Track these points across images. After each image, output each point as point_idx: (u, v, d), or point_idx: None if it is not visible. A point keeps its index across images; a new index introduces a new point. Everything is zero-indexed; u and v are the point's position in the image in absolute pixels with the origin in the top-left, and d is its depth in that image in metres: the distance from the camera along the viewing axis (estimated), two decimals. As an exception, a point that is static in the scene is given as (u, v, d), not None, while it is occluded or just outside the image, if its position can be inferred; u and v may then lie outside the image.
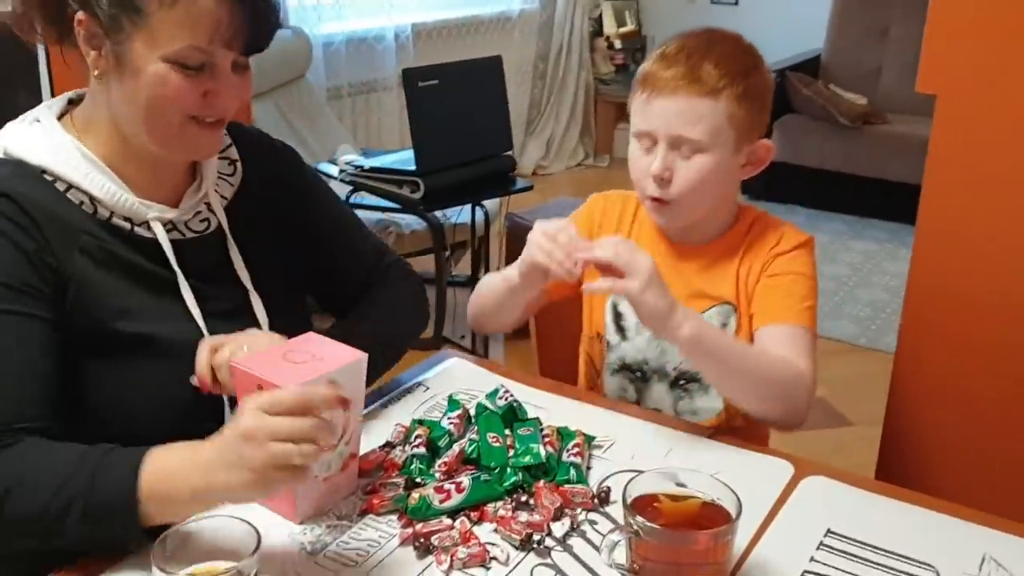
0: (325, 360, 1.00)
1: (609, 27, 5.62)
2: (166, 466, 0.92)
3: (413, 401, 1.29)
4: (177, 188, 1.16)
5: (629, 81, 5.44)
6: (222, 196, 1.20)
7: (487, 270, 3.19)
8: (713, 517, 0.94)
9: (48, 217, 1.04)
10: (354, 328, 1.22)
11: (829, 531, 1.04)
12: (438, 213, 2.94)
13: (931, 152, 1.50)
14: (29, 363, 1.00)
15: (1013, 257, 1.47)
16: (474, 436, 1.17)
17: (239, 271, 1.18)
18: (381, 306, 1.32)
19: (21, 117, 1.12)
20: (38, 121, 1.10)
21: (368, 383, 1.08)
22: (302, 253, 1.29)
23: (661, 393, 1.36)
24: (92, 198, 1.07)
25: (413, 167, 2.71)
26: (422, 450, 1.13)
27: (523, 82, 5.27)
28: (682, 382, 1.35)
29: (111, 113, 1.08)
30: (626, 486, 0.95)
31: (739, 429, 1.32)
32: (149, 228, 1.11)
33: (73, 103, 1.14)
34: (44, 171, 1.06)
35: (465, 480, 1.05)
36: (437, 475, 1.09)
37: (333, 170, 2.91)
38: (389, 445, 1.16)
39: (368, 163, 2.85)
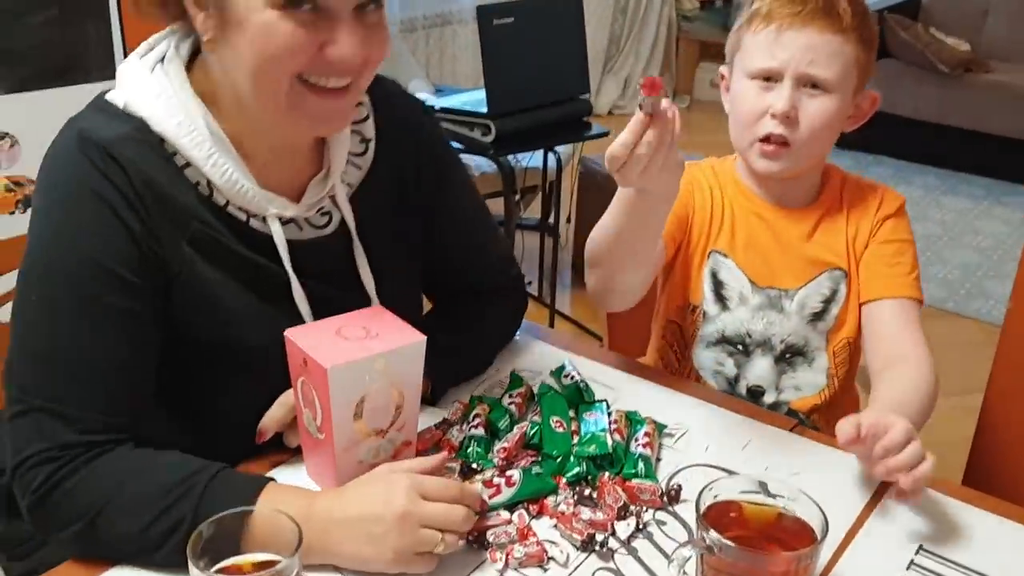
0: (380, 338, 0.93)
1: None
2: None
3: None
4: (301, 174, 1.03)
5: (714, 19, 5.27)
6: (348, 184, 1.07)
7: (558, 215, 3.09)
8: (793, 531, 0.86)
9: (159, 197, 0.93)
10: (445, 336, 1.06)
11: (921, 548, 0.95)
12: (509, 156, 2.84)
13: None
14: (125, 361, 0.93)
15: None
16: (536, 418, 1.10)
17: (363, 275, 1.07)
18: (483, 325, 1.22)
19: (143, 49, 0.98)
20: (166, 74, 0.96)
21: (439, 394, 1.07)
22: (426, 247, 1.17)
23: (764, 367, 1.28)
24: (210, 182, 0.96)
25: (485, 109, 2.60)
26: (481, 431, 1.06)
27: (603, 16, 5.07)
28: (788, 356, 1.28)
29: (228, 81, 0.94)
30: (700, 493, 0.86)
31: (836, 407, 1.29)
32: (264, 221, 0.99)
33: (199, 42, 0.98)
34: (164, 140, 0.94)
35: (516, 473, 0.98)
36: (495, 460, 1.02)
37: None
38: (446, 423, 1.10)
39: (439, 103, 2.75)
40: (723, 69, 1.28)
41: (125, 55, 2.21)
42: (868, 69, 1.21)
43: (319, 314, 1.01)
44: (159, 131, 0.94)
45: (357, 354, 0.90)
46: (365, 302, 1.06)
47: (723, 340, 1.30)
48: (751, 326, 1.28)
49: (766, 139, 1.20)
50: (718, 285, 1.29)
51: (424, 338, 0.94)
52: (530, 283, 3.33)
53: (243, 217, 0.99)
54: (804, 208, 1.29)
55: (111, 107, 0.95)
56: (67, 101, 2.05)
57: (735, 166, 1.33)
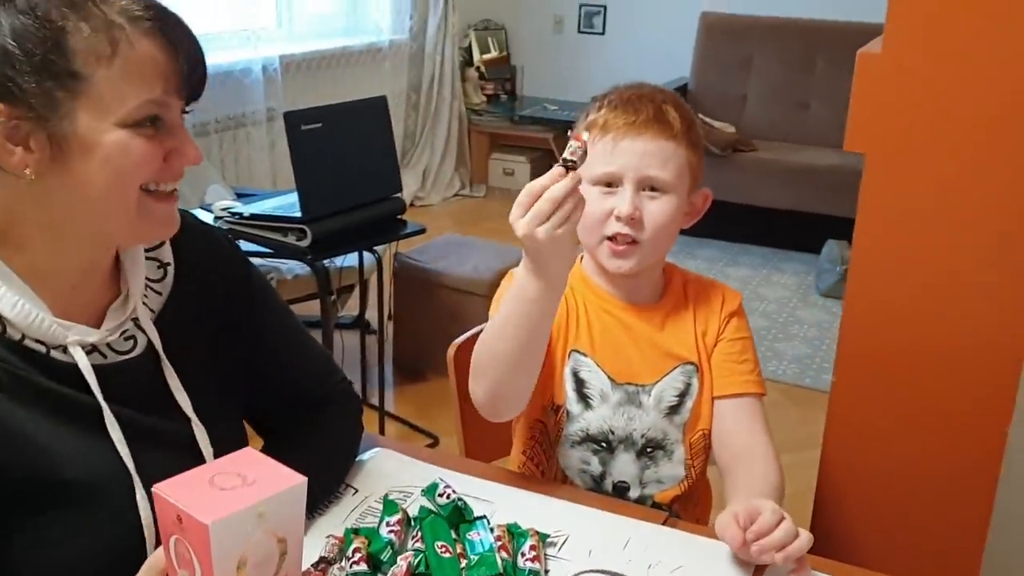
0: (257, 485, 0.87)
1: (478, 56, 5.59)
2: None
3: (343, 506, 1.16)
4: (98, 301, 1.00)
5: (501, 111, 5.49)
6: (150, 309, 1.04)
7: (381, 313, 3.06)
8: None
9: None
10: (291, 458, 1.00)
11: (806, 628, 0.99)
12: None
13: (861, 204, 1.51)
14: None
15: (942, 313, 1.49)
16: (419, 545, 1.06)
17: (178, 397, 1.03)
18: (323, 437, 1.18)
19: None
20: None
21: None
22: (242, 370, 1.13)
23: (627, 463, 1.31)
24: (1, 317, 0.91)
25: (298, 213, 2.55)
26: (363, 567, 1.01)
27: (396, 114, 5.15)
28: (648, 450, 1.31)
29: (46, 213, 0.92)
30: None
31: (694, 496, 1.35)
32: (66, 351, 0.95)
33: None
34: None
35: None
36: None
37: (208, 217, 2.73)
38: (325, 562, 1.04)
39: (248, 210, 2.67)
40: None
41: None
42: (699, 170, 1.29)
43: (135, 440, 0.97)
44: None
45: (237, 504, 0.84)
46: (184, 426, 1.03)
47: (588, 439, 1.31)
48: (613, 423, 1.30)
49: (613, 238, 1.25)
50: (580, 384, 1.31)
51: (305, 479, 0.90)
52: (350, 384, 3.26)
53: (43, 350, 0.94)
54: (651, 305, 1.34)
55: None
56: None
57: (582, 266, 1.37)
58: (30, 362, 0.92)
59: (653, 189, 1.25)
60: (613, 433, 1.30)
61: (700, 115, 4.94)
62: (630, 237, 1.25)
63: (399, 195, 2.84)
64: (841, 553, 1.16)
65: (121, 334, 1.00)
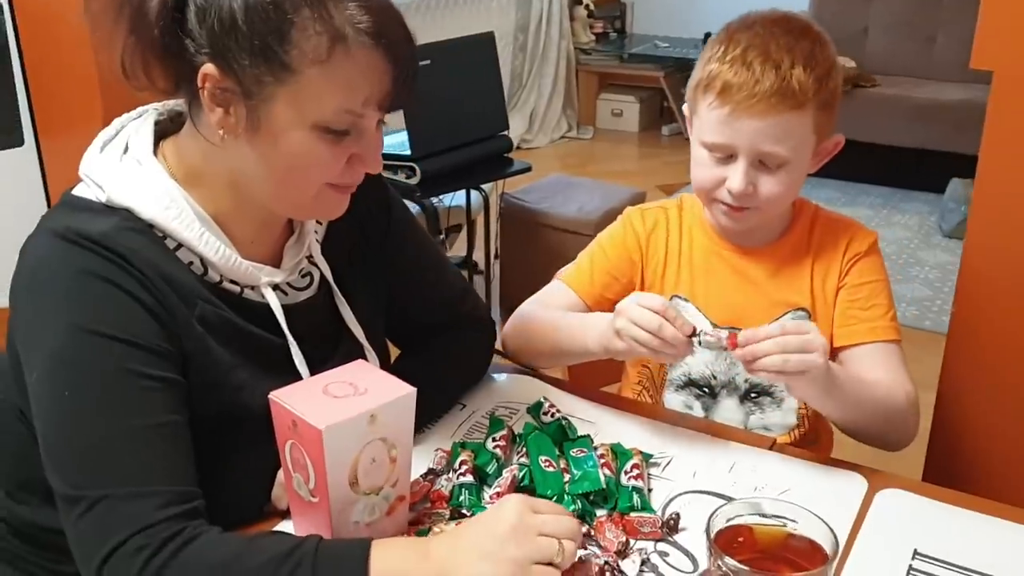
0: (369, 394, 0.91)
1: (587, -7, 5.50)
2: (397, 570, 0.84)
3: (451, 421, 1.19)
4: (278, 242, 1.05)
5: (610, 50, 5.40)
6: (317, 242, 1.08)
7: (488, 252, 3.09)
8: (804, 551, 0.87)
9: (165, 278, 0.92)
10: (411, 375, 1.00)
11: (916, 553, 0.97)
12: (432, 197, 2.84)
13: (987, 130, 1.43)
14: (176, 429, 0.90)
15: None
16: (524, 460, 1.08)
17: (351, 326, 1.08)
18: (445, 358, 1.21)
19: (98, 144, 0.97)
20: (137, 162, 0.96)
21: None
22: (391, 291, 1.17)
23: (731, 408, 1.28)
24: (203, 259, 0.95)
25: (408, 151, 2.60)
26: (469, 478, 1.04)
27: (503, 55, 5.12)
28: (753, 395, 1.27)
29: (231, 171, 0.96)
30: (709, 521, 0.86)
31: (810, 446, 1.28)
32: (256, 290, 1.00)
33: (159, 125, 1.00)
34: (152, 225, 0.93)
35: None
36: (488, 506, 1.00)
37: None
38: (432, 473, 1.07)
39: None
40: (685, 109, 1.25)
41: (32, 120, 2.13)
42: (831, 123, 1.19)
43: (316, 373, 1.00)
44: (147, 218, 0.93)
45: (349, 412, 0.88)
46: (357, 354, 1.06)
47: (690, 383, 1.30)
48: (715, 367, 1.28)
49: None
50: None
51: (413, 389, 0.92)
52: (487, 310, 3.31)
53: (237, 289, 0.99)
54: (766, 246, 1.27)
55: (88, 203, 0.94)
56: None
57: (694, 201, 1.32)
58: (228, 303, 0.97)
59: (773, 162, 1.16)
60: (715, 378, 1.28)
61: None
62: (743, 206, 1.19)
63: (506, 133, 2.85)
64: (956, 481, 1.12)
65: (299, 271, 1.05)
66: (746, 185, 1.16)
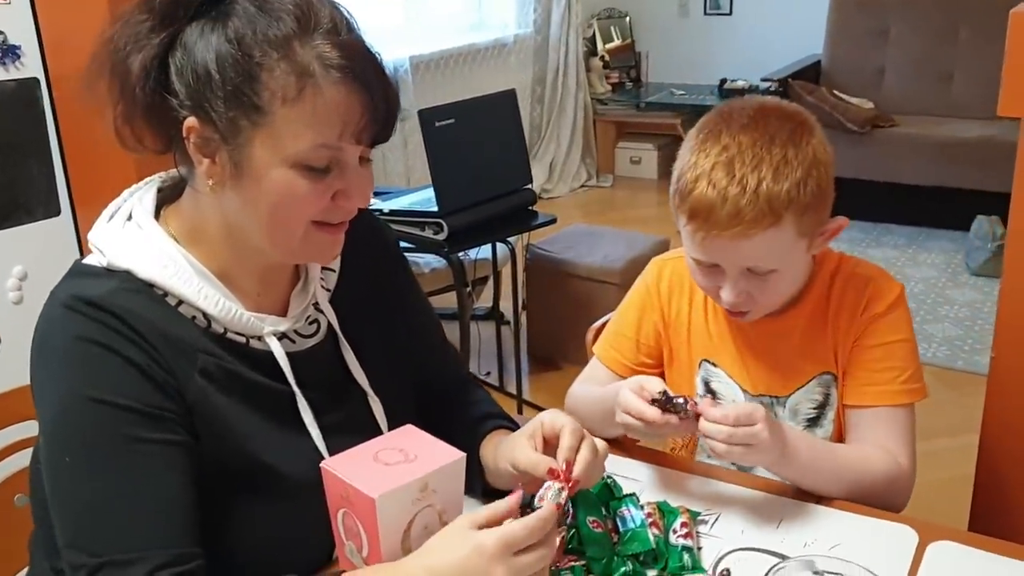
0: (420, 460, 0.92)
1: (601, 45, 5.57)
2: None
3: (496, 483, 1.19)
4: (283, 291, 1.06)
5: (626, 99, 5.46)
6: (326, 288, 1.09)
7: (516, 304, 3.11)
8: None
9: (161, 335, 0.93)
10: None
11: (974, 607, 0.96)
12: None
13: (1019, 172, 1.43)
14: (176, 490, 0.91)
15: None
16: (570, 521, 1.08)
17: (356, 374, 1.08)
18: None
19: (107, 215, 1.00)
20: (138, 226, 0.98)
21: None
22: (408, 348, 1.17)
23: (767, 474, 1.26)
24: (205, 314, 0.97)
25: (434, 208, 2.62)
26: (518, 541, 1.04)
27: (522, 107, 5.15)
28: None
29: (226, 222, 0.98)
30: (764, 580, 0.86)
31: None
32: (260, 340, 1.01)
33: (161, 192, 1.03)
34: (153, 285, 0.95)
35: None
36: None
37: (349, 215, 2.83)
38: (480, 537, 1.07)
39: (387, 206, 2.77)
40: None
41: (69, 191, 2.18)
42: (820, 217, 1.14)
43: (322, 424, 1.02)
44: (146, 277, 0.95)
45: (401, 479, 0.88)
46: (362, 403, 1.07)
47: None
48: None
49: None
50: (712, 394, 1.28)
51: (463, 455, 0.93)
52: (487, 374, 3.33)
53: (243, 340, 1.00)
54: (787, 310, 1.24)
55: (91, 269, 0.97)
56: (14, 240, 2.01)
57: None
58: (233, 353, 0.98)
59: (759, 271, 1.14)
60: None
61: (834, 91, 4.77)
62: (742, 311, 1.19)
63: (530, 187, 2.88)
64: (1004, 528, 1.11)
65: (306, 319, 1.06)
66: (738, 296, 1.15)
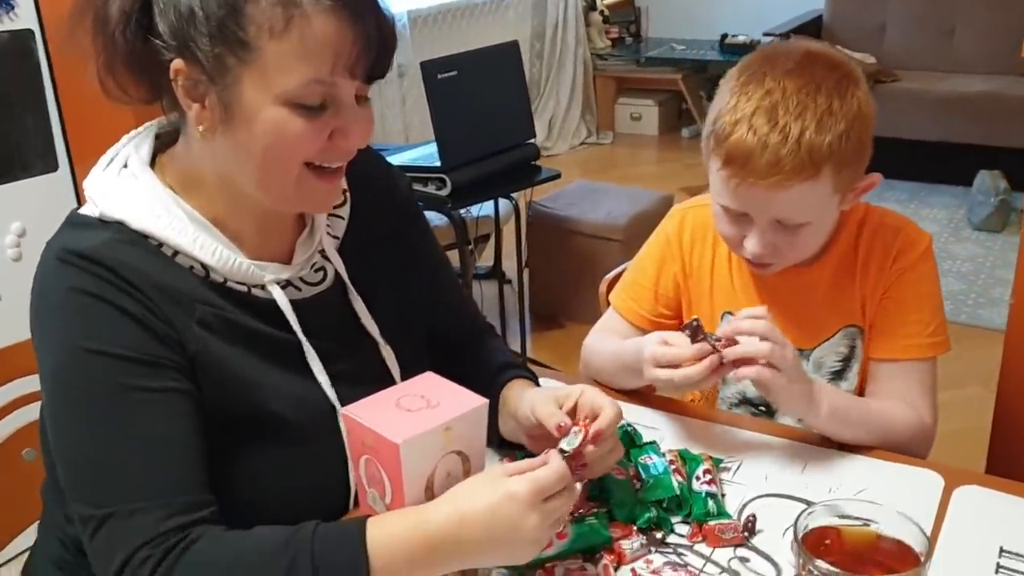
0: (441, 407, 0.90)
1: (600, 0, 5.49)
2: (395, 554, 0.84)
3: (515, 432, 1.18)
4: (287, 238, 1.03)
5: (627, 54, 5.39)
6: (334, 236, 1.07)
7: (520, 262, 3.08)
8: (894, 553, 0.85)
9: (156, 285, 0.91)
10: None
11: (1003, 550, 0.95)
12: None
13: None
14: (182, 437, 0.89)
15: None
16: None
17: (365, 322, 1.05)
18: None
19: (104, 162, 0.97)
20: (133, 175, 0.96)
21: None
22: (420, 293, 1.15)
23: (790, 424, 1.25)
24: (203, 263, 0.95)
25: (437, 163, 2.58)
26: (539, 489, 1.02)
27: (520, 63, 5.14)
28: None
29: (219, 169, 0.94)
30: (796, 523, 0.85)
31: None
32: (264, 289, 0.98)
33: (160, 138, 1.00)
34: (147, 236, 0.92)
35: (569, 526, 0.96)
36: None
37: (350, 171, 2.79)
38: (501, 485, 1.06)
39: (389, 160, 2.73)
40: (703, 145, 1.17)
41: (67, 145, 2.14)
42: (855, 174, 1.11)
43: (330, 370, 1.00)
44: (139, 228, 0.92)
45: (425, 425, 0.87)
46: (373, 351, 1.05)
47: (745, 401, 1.28)
48: None
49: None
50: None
51: (486, 401, 0.91)
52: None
53: (244, 289, 0.98)
54: (812, 263, 1.21)
55: (85, 219, 0.94)
56: (12, 196, 1.97)
57: None
58: (234, 303, 0.96)
59: (792, 223, 1.11)
60: None
61: (836, 46, 4.72)
62: (766, 263, 1.16)
63: (533, 141, 2.84)
64: (1020, 474, 1.10)
65: (312, 266, 1.04)
66: (764, 248, 1.12)
